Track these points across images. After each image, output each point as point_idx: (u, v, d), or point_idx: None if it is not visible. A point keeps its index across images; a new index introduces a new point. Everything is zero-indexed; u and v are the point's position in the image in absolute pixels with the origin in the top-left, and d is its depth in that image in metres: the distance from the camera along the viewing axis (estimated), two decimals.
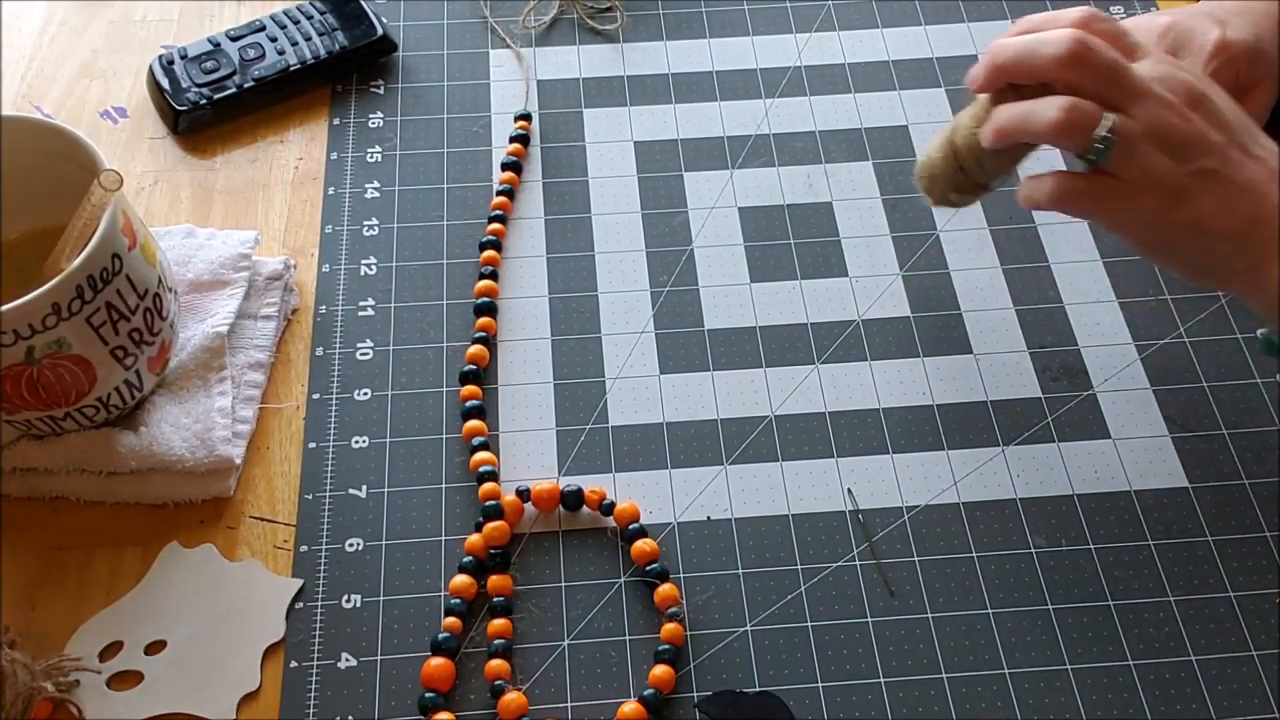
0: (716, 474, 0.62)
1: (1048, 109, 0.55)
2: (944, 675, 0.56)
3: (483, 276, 0.69)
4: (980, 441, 0.63)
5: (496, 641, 0.56)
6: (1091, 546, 0.60)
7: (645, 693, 0.55)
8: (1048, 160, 0.75)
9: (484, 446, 0.63)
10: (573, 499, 0.61)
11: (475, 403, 0.64)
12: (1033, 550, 0.60)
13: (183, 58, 0.77)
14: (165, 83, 0.76)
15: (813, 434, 0.64)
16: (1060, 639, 0.57)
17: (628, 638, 0.57)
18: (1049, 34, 0.56)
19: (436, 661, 0.56)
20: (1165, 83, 0.56)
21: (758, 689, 0.55)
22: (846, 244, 0.71)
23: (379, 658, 0.56)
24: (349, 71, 0.79)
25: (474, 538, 0.60)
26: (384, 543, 0.60)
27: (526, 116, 0.77)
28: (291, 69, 0.77)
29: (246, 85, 0.76)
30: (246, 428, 0.63)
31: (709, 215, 0.73)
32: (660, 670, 0.55)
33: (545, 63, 0.81)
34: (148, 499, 0.61)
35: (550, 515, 0.61)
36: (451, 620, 0.57)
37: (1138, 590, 0.58)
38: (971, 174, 0.61)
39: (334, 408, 0.65)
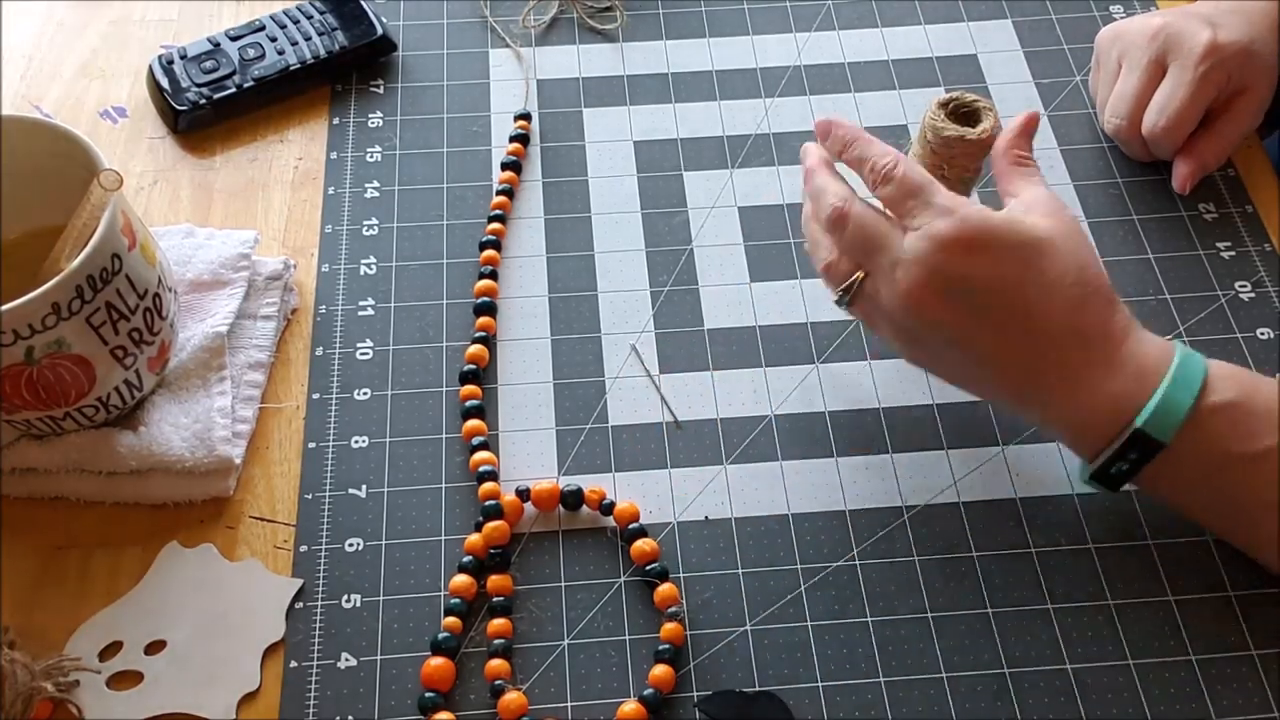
0: (716, 474, 0.62)
1: (818, 251, 0.60)
2: (944, 675, 0.56)
3: (482, 276, 0.69)
4: (980, 441, 0.63)
5: (496, 641, 0.56)
6: (1091, 546, 0.60)
7: (645, 692, 0.55)
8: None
9: (484, 446, 0.63)
10: (572, 499, 0.61)
11: (475, 402, 0.64)
12: (1032, 550, 0.59)
13: (182, 57, 0.77)
14: (165, 82, 0.76)
15: (813, 434, 0.64)
16: (1060, 638, 0.57)
17: (628, 637, 0.57)
18: (827, 191, 0.59)
19: (436, 661, 0.56)
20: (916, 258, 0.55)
21: (758, 689, 0.55)
22: None
23: (379, 658, 0.56)
24: (349, 71, 0.79)
25: (474, 537, 0.60)
26: (384, 543, 0.60)
27: (526, 116, 0.77)
28: (291, 69, 0.77)
29: (246, 85, 0.76)
30: (246, 427, 0.63)
31: (709, 215, 0.73)
32: (660, 670, 0.55)
33: (545, 62, 0.81)
34: (147, 499, 0.61)
35: (550, 515, 0.61)
36: (451, 620, 0.57)
37: (1138, 590, 0.58)
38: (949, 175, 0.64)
39: (334, 408, 0.65)
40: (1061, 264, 0.54)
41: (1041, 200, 0.56)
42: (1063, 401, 0.55)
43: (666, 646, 0.56)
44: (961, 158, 0.63)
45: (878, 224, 0.56)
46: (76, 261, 0.54)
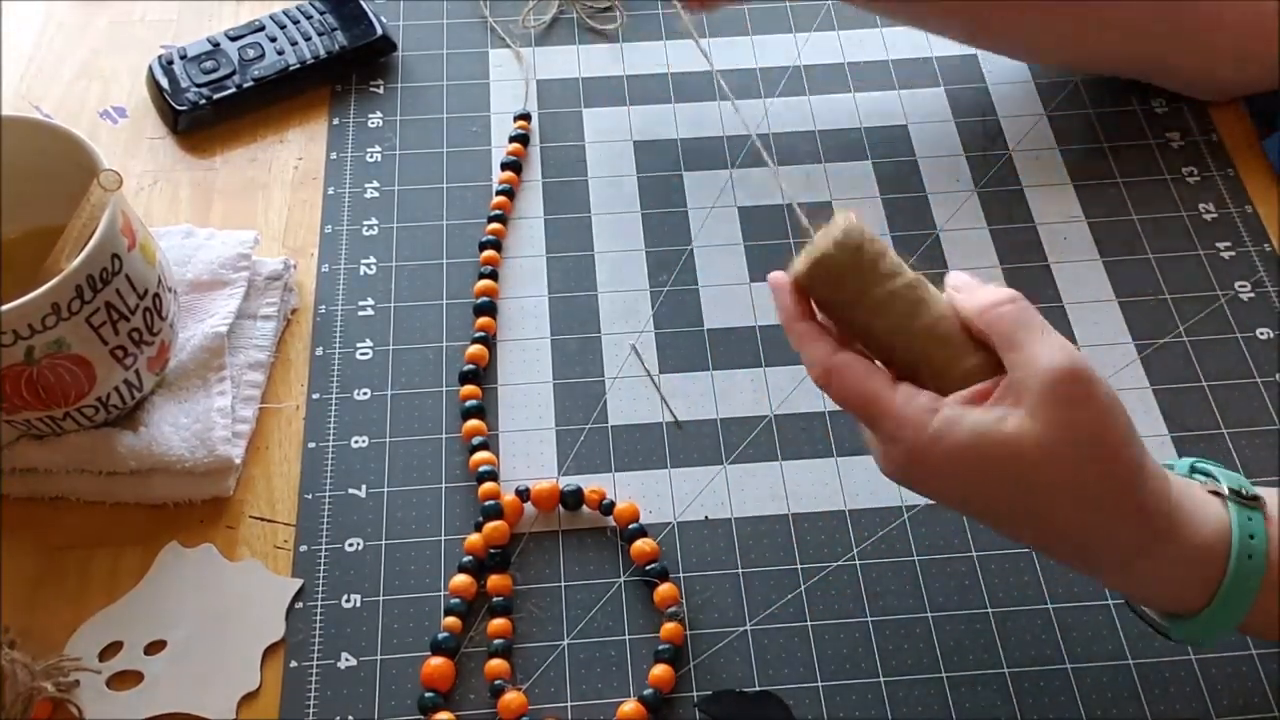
0: (716, 474, 0.62)
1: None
2: (944, 675, 0.56)
3: (482, 276, 0.69)
4: None
5: (496, 641, 0.56)
6: None
7: (645, 692, 0.55)
8: None
9: (484, 446, 0.63)
10: (572, 499, 0.61)
11: (475, 402, 0.64)
12: (1032, 549, 0.59)
13: (182, 58, 0.77)
14: (165, 82, 0.76)
15: (813, 434, 0.64)
16: (1060, 638, 0.57)
17: (627, 637, 0.57)
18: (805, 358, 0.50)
19: (436, 661, 0.56)
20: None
21: (758, 689, 0.55)
22: None
23: (379, 657, 0.56)
24: (348, 71, 0.79)
25: (474, 537, 0.60)
26: (384, 543, 0.60)
27: (526, 116, 0.77)
28: (291, 69, 0.77)
29: (246, 85, 0.76)
30: (246, 427, 0.63)
31: (708, 215, 0.73)
32: (660, 670, 0.55)
33: (545, 62, 0.81)
34: (147, 499, 0.61)
35: (550, 515, 0.61)
36: (451, 620, 0.57)
37: None
38: None
39: (334, 408, 0.65)
40: (1055, 472, 0.45)
41: (1036, 381, 0.45)
42: (1119, 585, 0.50)
43: (666, 646, 0.56)
44: (834, 288, 0.49)
45: (857, 402, 0.48)
46: (76, 261, 0.54)
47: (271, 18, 0.80)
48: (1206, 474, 0.50)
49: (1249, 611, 0.47)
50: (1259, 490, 0.49)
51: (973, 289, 0.48)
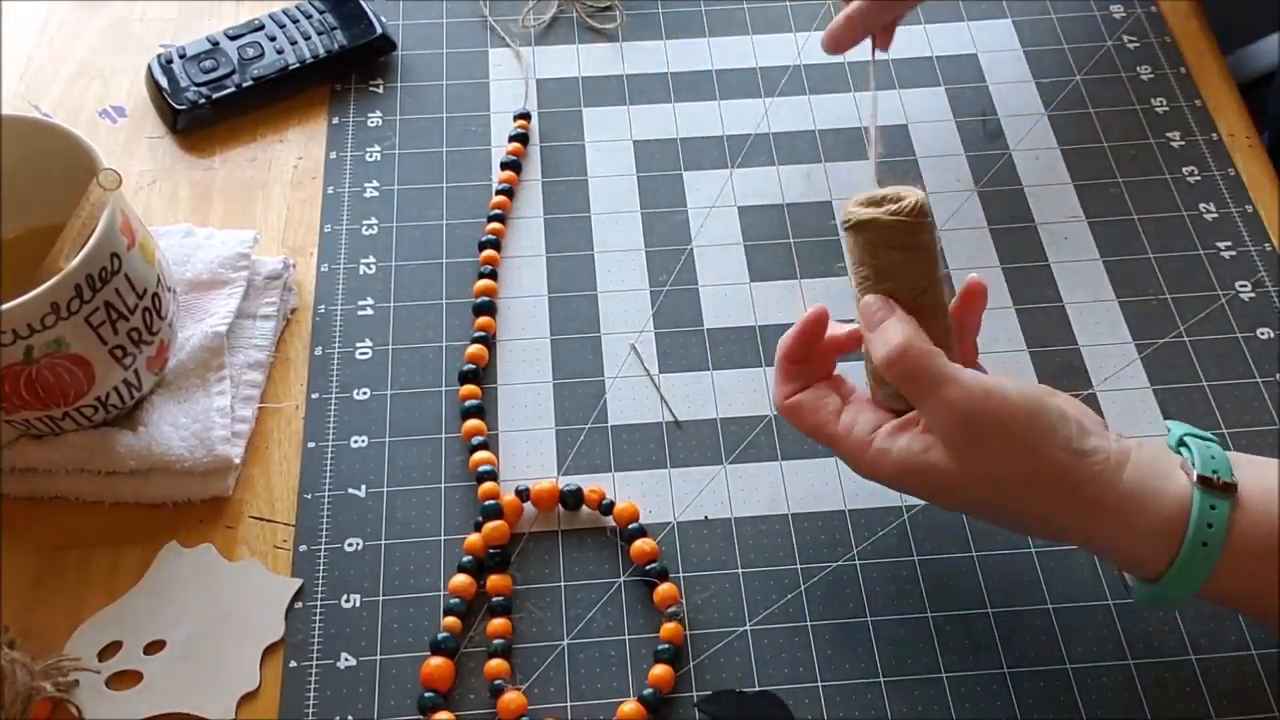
0: (716, 474, 0.62)
1: None
2: (944, 675, 0.56)
3: (482, 276, 0.69)
4: None
5: (496, 641, 0.56)
6: None
7: (645, 692, 0.55)
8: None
9: (483, 446, 0.63)
10: (572, 499, 0.61)
11: (474, 402, 0.64)
12: (1032, 550, 0.60)
13: (181, 57, 0.77)
14: (164, 82, 0.76)
15: None
16: (1060, 638, 0.57)
17: (627, 637, 0.57)
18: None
19: (436, 661, 0.56)
20: None
21: (758, 689, 0.55)
22: None
23: (378, 657, 0.56)
24: (348, 71, 0.79)
25: (473, 537, 0.60)
26: (383, 542, 0.60)
27: (526, 115, 0.77)
28: (290, 68, 0.77)
29: (245, 84, 0.76)
30: (245, 427, 0.63)
31: (708, 214, 0.73)
32: (660, 670, 0.55)
33: (544, 62, 0.81)
34: (147, 499, 0.61)
35: (549, 515, 0.61)
36: (451, 620, 0.57)
37: None
38: None
39: (333, 407, 0.65)
40: (978, 492, 0.50)
41: (941, 430, 0.50)
42: (1094, 550, 0.53)
43: (666, 646, 0.56)
44: (886, 252, 0.53)
45: (812, 435, 0.56)
46: (75, 261, 0.54)
47: (271, 17, 0.79)
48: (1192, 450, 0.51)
49: (1208, 584, 0.48)
50: (1260, 459, 0.50)
51: (873, 338, 0.53)
